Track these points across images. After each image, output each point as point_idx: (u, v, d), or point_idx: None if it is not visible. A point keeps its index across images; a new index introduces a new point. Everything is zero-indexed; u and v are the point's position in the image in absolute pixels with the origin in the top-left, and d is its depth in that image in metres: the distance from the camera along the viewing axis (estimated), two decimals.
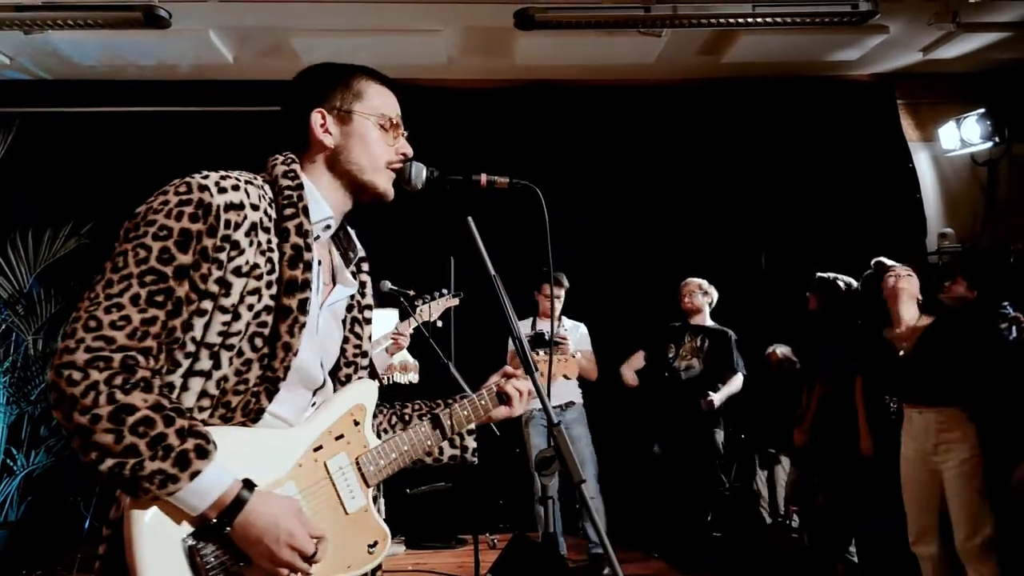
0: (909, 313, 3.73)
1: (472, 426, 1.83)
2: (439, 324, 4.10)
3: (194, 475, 1.25)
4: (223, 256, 1.33)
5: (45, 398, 5.56)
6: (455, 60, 5.82)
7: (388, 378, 5.03)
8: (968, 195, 6.46)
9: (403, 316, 3.98)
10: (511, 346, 4.98)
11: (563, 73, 6.11)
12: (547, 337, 4.90)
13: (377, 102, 1.57)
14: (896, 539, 3.85)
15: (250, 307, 1.37)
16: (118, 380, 1.23)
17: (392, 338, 3.91)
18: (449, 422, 1.73)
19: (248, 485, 1.32)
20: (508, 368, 1.84)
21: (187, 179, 1.35)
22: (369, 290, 1.71)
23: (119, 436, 1.21)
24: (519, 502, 5.29)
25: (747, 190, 6.29)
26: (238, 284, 1.35)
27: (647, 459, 5.29)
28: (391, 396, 5.25)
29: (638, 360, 5.37)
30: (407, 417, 1.77)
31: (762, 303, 6.17)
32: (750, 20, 3.69)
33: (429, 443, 1.69)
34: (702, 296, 5.29)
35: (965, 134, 6.17)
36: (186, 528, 1.30)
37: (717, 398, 4.98)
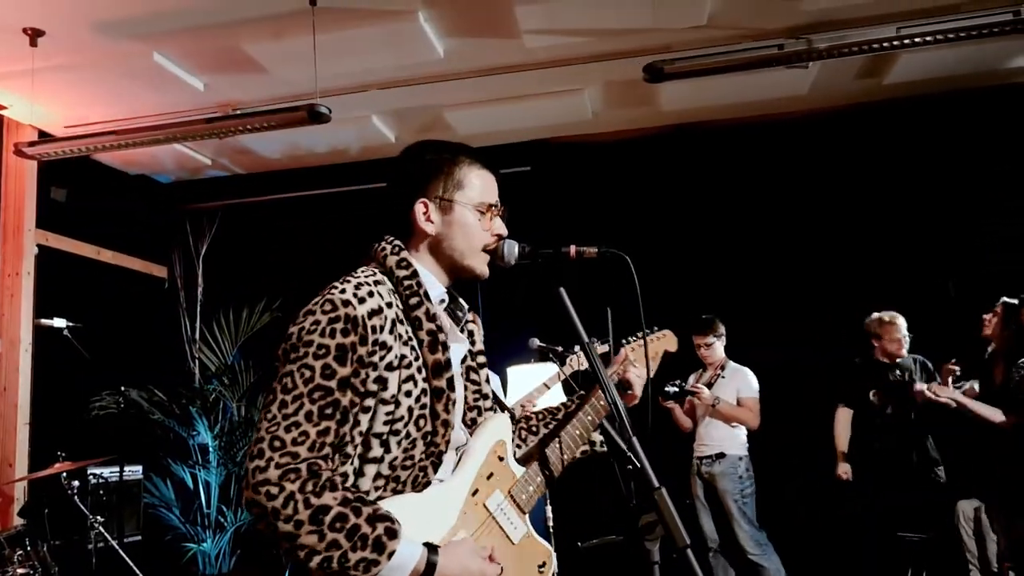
0: None
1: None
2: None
3: (391, 555, 1.39)
4: (376, 359, 1.49)
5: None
6: (600, 114, 5.92)
7: None
8: None
9: (561, 361, 4.02)
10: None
11: (713, 114, 6.00)
12: (676, 390, 4.85)
13: (476, 190, 1.70)
14: None
15: (408, 393, 1.53)
16: (309, 487, 1.37)
17: (523, 405, 3.94)
18: (578, 430, 1.83)
19: (432, 548, 1.45)
20: (624, 352, 1.96)
21: (328, 297, 1.49)
22: (478, 337, 1.81)
23: (321, 535, 1.36)
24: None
25: (930, 212, 5.82)
26: (393, 377, 1.51)
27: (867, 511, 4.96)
28: None
29: (846, 416, 5.10)
30: (535, 429, 1.91)
31: (957, 334, 5.60)
32: (895, 43, 3.47)
33: (564, 458, 1.81)
34: (906, 332, 4.95)
35: None
36: None
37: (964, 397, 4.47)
